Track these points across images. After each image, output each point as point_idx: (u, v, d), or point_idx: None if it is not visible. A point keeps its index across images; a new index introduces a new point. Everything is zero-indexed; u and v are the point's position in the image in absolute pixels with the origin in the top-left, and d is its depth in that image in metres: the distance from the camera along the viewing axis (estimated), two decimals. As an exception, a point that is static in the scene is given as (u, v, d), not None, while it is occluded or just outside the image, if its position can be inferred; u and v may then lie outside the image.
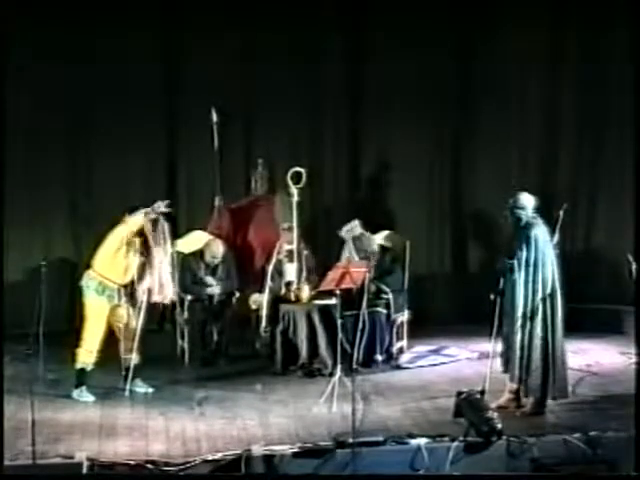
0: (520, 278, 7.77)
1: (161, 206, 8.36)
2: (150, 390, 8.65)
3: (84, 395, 8.44)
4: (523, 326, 7.78)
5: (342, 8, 11.24)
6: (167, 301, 8.71)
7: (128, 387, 8.56)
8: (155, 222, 8.37)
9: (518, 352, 7.80)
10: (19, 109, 10.75)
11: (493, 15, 11.26)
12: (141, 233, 8.42)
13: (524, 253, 7.76)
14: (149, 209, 8.36)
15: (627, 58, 10.78)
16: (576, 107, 11.37)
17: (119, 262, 8.41)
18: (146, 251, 8.41)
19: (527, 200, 7.94)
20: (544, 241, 7.88)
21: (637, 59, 10.49)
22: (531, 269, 7.77)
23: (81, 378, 8.49)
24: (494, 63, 11.30)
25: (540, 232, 7.88)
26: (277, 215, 10.33)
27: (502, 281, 7.85)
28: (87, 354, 8.45)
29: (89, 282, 8.47)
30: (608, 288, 11.09)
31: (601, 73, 11.16)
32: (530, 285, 7.77)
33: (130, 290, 8.51)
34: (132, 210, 8.49)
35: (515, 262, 7.76)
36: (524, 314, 7.78)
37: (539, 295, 7.77)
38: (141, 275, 8.47)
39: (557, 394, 7.89)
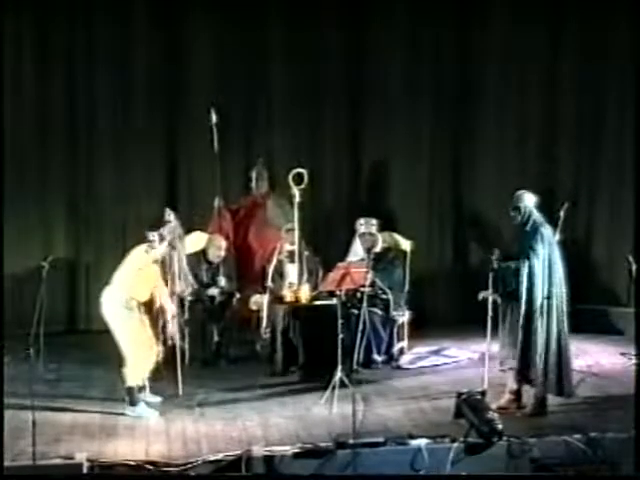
0: (538, 277, 7.80)
1: (173, 229, 8.24)
2: (159, 399, 8.40)
3: (144, 412, 8.07)
4: (541, 324, 7.80)
5: (342, 7, 11.23)
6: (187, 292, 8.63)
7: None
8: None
9: (539, 351, 7.81)
10: (19, 109, 10.75)
11: (492, 14, 11.25)
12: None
13: (540, 251, 7.81)
14: (168, 236, 8.23)
15: (627, 58, 10.78)
16: (576, 106, 11.36)
17: (141, 280, 8.20)
18: (167, 262, 8.28)
19: (532, 199, 8.01)
20: (553, 239, 7.98)
21: (637, 59, 10.49)
22: (547, 267, 7.83)
23: (132, 396, 8.11)
24: (494, 63, 11.30)
25: (548, 230, 7.95)
26: (270, 217, 10.34)
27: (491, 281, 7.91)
28: (134, 372, 8.15)
29: (114, 300, 8.18)
30: (608, 289, 11.09)
31: (601, 73, 11.15)
32: (547, 283, 7.82)
33: (150, 304, 8.35)
34: (152, 228, 8.33)
35: (535, 260, 7.80)
36: (541, 313, 7.80)
37: (554, 293, 7.82)
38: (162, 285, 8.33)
39: (566, 392, 7.93)
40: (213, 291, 9.70)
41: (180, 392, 8.40)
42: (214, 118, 10.00)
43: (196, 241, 10.05)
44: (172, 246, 8.25)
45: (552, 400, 8.04)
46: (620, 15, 10.82)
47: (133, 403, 8.10)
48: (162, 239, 8.25)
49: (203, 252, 9.82)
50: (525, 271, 7.83)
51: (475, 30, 11.34)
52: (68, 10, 10.79)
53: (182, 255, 8.36)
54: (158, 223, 8.33)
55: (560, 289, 7.88)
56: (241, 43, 11.01)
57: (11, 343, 9.03)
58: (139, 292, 8.22)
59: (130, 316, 8.15)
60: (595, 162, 11.37)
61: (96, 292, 10.80)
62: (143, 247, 8.31)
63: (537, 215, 7.98)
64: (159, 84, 11.11)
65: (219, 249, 9.75)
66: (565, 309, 7.90)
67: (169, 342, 8.43)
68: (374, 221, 9.74)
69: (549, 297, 7.81)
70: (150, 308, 8.36)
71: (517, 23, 11.15)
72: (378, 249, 9.64)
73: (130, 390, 8.12)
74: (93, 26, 10.84)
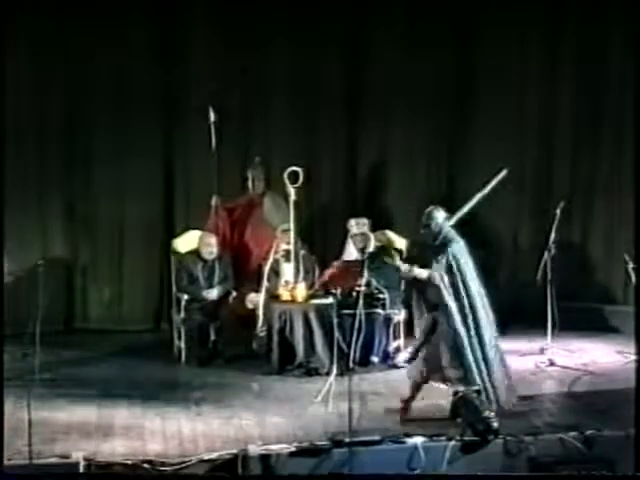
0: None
1: None
2: None
3: None
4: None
5: (342, 7, 11.22)
6: None
7: None
8: None
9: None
10: (17, 109, 10.74)
11: (491, 15, 11.24)
12: None
13: (444, 264, 7.84)
14: None
15: (627, 57, 10.77)
16: (575, 106, 11.35)
17: None
18: None
19: (442, 215, 8.11)
20: (466, 253, 8.06)
21: (637, 59, 10.48)
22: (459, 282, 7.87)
23: None
24: (493, 63, 11.28)
25: (460, 244, 8.04)
26: (267, 215, 10.35)
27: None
28: None
29: None
30: (604, 287, 11.10)
31: (601, 73, 11.14)
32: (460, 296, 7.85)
33: None
34: None
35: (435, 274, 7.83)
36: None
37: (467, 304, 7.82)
38: None
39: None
40: (210, 293, 9.72)
41: None
42: (212, 116, 10.02)
43: (190, 240, 10.08)
44: None
45: (549, 398, 8.08)
46: (620, 14, 10.81)
47: None
48: None
49: (198, 252, 9.84)
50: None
51: (475, 30, 11.33)
52: (67, 7, 10.76)
53: None
54: None
55: (477, 300, 7.79)
56: (240, 42, 11.00)
57: (8, 343, 9.01)
58: None
59: None
60: (593, 160, 11.37)
61: (93, 291, 10.96)
62: None
63: (448, 230, 7.94)
64: (157, 82, 11.08)
65: (209, 246, 9.78)
66: (490, 319, 7.83)
67: None
68: (365, 221, 9.75)
69: (463, 309, 7.74)
70: None
71: (515, 25, 11.14)
72: (371, 248, 9.65)
73: None
74: (91, 23, 10.81)
